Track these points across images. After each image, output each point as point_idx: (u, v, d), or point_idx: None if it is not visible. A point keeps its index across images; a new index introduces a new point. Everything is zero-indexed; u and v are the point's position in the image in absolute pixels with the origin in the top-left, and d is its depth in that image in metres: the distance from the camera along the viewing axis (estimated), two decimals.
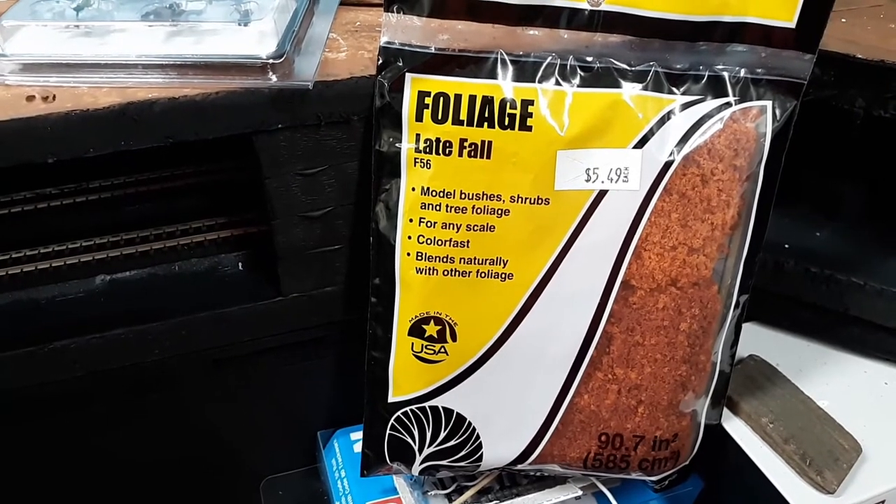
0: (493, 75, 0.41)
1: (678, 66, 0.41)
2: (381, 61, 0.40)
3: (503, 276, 0.43)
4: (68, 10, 0.41)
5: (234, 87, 0.39)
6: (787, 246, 0.53)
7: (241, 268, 0.50)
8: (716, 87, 0.41)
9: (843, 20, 0.47)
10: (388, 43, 0.40)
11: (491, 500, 0.50)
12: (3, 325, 0.46)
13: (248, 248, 0.51)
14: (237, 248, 0.51)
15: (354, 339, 0.47)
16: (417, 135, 0.41)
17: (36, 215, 0.52)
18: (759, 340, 0.54)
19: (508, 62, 0.41)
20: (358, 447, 0.54)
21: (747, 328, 0.46)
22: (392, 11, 0.40)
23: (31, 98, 0.38)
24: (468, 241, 0.42)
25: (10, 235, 0.50)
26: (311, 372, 0.53)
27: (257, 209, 0.50)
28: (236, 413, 0.53)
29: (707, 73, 0.41)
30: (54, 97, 0.38)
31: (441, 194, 0.42)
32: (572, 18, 0.40)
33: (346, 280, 0.48)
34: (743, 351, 0.47)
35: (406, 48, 0.40)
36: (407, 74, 0.41)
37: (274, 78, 0.40)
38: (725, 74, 0.41)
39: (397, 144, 0.41)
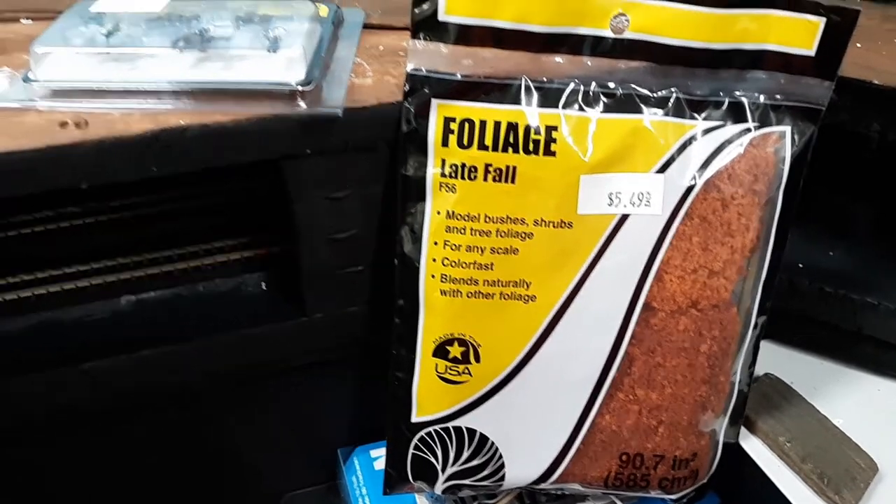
0: (517, 101, 0.41)
1: (699, 93, 0.42)
2: (407, 88, 0.41)
3: (526, 298, 0.43)
4: (99, 36, 0.42)
5: (263, 113, 0.40)
6: (801, 265, 0.54)
7: (264, 288, 0.50)
8: (736, 113, 0.42)
9: (859, 45, 0.48)
10: (415, 70, 0.41)
11: None
12: (30, 346, 0.46)
13: (271, 268, 0.51)
14: (260, 268, 0.51)
15: (375, 358, 0.47)
16: (443, 160, 0.42)
17: (60, 234, 0.52)
18: (773, 358, 0.54)
19: (533, 88, 0.41)
20: (378, 464, 0.54)
21: (762, 346, 0.47)
22: (419, 39, 0.41)
23: (64, 124, 0.39)
24: (492, 264, 0.43)
25: (35, 255, 0.50)
26: (332, 390, 0.53)
27: (280, 229, 0.50)
28: (257, 431, 0.54)
29: (727, 100, 0.42)
30: (87, 123, 0.39)
31: (466, 218, 0.42)
32: (596, 46, 0.41)
33: (369, 300, 0.49)
34: (758, 369, 0.48)
35: (432, 75, 0.41)
36: (433, 101, 0.41)
37: (303, 105, 0.40)
38: (745, 101, 0.42)
39: (423, 169, 0.42)
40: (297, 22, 0.44)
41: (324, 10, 0.47)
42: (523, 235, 0.42)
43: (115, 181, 0.39)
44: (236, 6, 0.46)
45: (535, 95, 0.41)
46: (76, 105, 0.40)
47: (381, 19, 0.50)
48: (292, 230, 0.46)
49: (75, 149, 0.38)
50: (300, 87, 0.40)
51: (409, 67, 0.41)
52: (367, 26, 0.50)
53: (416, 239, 0.43)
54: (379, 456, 0.54)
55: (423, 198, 0.42)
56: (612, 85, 0.42)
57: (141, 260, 0.51)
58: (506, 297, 0.43)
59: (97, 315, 0.48)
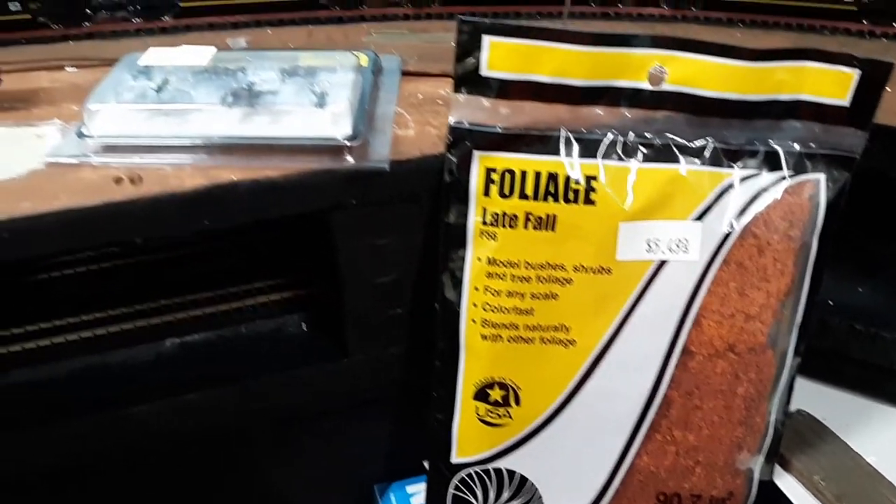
0: (557, 152, 0.42)
1: (735, 142, 0.43)
2: (450, 140, 0.42)
3: (566, 342, 0.44)
4: (149, 91, 0.43)
5: (311, 168, 0.41)
6: (831, 303, 0.55)
7: (304, 329, 0.51)
8: (771, 162, 0.43)
9: (888, 90, 0.49)
10: (457, 123, 0.42)
11: None
12: (78, 390, 0.47)
13: (310, 309, 0.52)
14: (299, 309, 0.52)
15: (412, 396, 0.48)
16: (484, 209, 0.43)
17: (101, 275, 0.53)
18: (805, 395, 0.55)
19: (572, 140, 0.42)
20: (415, 500, 0.55)
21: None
22: (461, 93, 0.42)
23: (118, 180, 0.40)
24: (532, 309, 0.44)
25: (78, 297, 0.51)
26: (369, 427, 0.54)
27: (319, 271, 0.51)
28: (295, 468, 0.54)
29: (763, 149, 0.43)
30: (141, 179, 0.40)
31: (506, 264, 0.43)
32: (634, 98, 0.42)
33: (409, 342, 0.50)
34: (790, 405, 0.49)
35: (474, 128, 0.42)
36: (474, 152, 0.42)
37: (350, 160, 0.41)
38: (780, 149, 0.43)
39: (465, 217, 0.43)
40: (341, 74, 0.45)
41: (364, 60, 0.48)
42: (563, 281, 0.43)
43: (167, 234, 0.40)
44: (279, 56, 0.47)
45: (575, 146, 0.42)
46: (129, 160, 0.41)
47: (417, 66, 0.51)
48: (335, 275, 0.47)
49: (131, 205, 0.39)
50: (347, 143, 0.41)
51: (452, 120, 0.42)
52: (404, 73, 0.51)
53: (457, 284, 0.44)
54: (416, 492, 0.55)
55: (464, 245, 0.43)
56: (649, 135, 0.43)
57: (183, 301, 0.52)
58: (546, 341, 0.44)
59: (142, 358, 0.49)
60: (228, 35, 0.56)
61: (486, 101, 0.42)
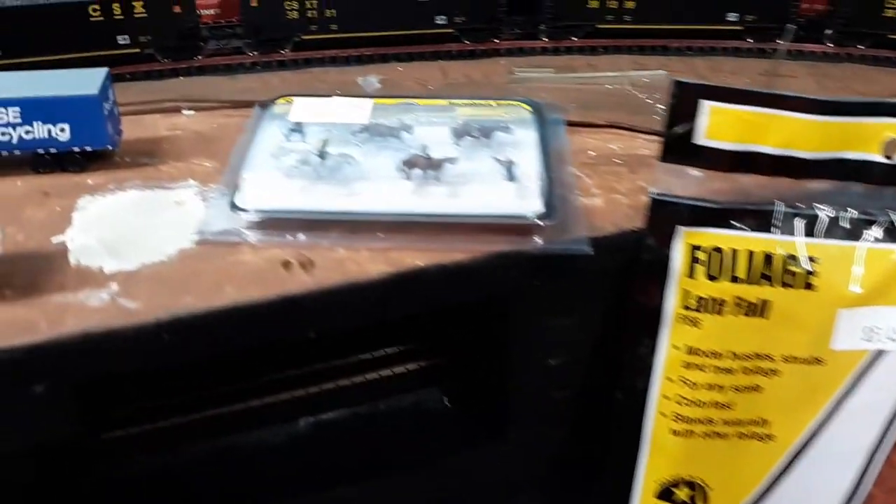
0: (775, 230, 0.37)
1: None
2: (651, 214, 0.37)
3: (764, 436, 0.40)
4: (311, 157, 0.37)
5: (497, 249, 0.36)
6: None
7: (447, 404, 0.46)
8: None
9: None
10: (661, 195, 0.37)
11: None
12: (201, 480, 0.42)
13: (447, 381, 0.47)
14: (436, 381, 0.47)
15: (572, 485, 0.44)
16: (687, 291, 0.38)
17: None
18: None
19: (792, 216, 0.37)
20: None
21: None
22: (667, 162, 0.37)
23: (287, 265, 0.35)
24: (732, 403, 0.39)
25: (199, 369, 0.46)
26: None
27: (462, 339, 0.46)
28: None
29: None
30: (312, 263, 0.35)
31: (709, 355, 0.38)
32: (865, 172, 0.37)
33: (574, 427, 0.45)
34: None
35: (681, 201, 0.37)
36: (679, 228, 0.37)
37: (540, 241, 0.36)
38: None
39: (663, 300, 0.38)
40: (518, 132, 0.40)
41: (525, 108, 0.43)
42: (769, 372, 0.39)
43: (344, 327, 0.35)
44: (438, 109, 0.42)
45: (794, 224, 0.37)
46: (293, 237, 0.36)
47: (578, 115, 0.46)
48: (499, 353, 0.42)
49: (307, 298, 0.34)
50: (539, 222, 0.36)
51: (654, 192, 0.37)
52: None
53: (647, 373, 0.39)
54: None
55: (660, 330, 0.39)
56: (877, 212, 0.38)
57: (313, 371, 0.47)
58: (743, 436, 0.40)
59: (275, 440, 0.44)
60: (353, 71, 0.50)
61: (696, 172, 0.37)
